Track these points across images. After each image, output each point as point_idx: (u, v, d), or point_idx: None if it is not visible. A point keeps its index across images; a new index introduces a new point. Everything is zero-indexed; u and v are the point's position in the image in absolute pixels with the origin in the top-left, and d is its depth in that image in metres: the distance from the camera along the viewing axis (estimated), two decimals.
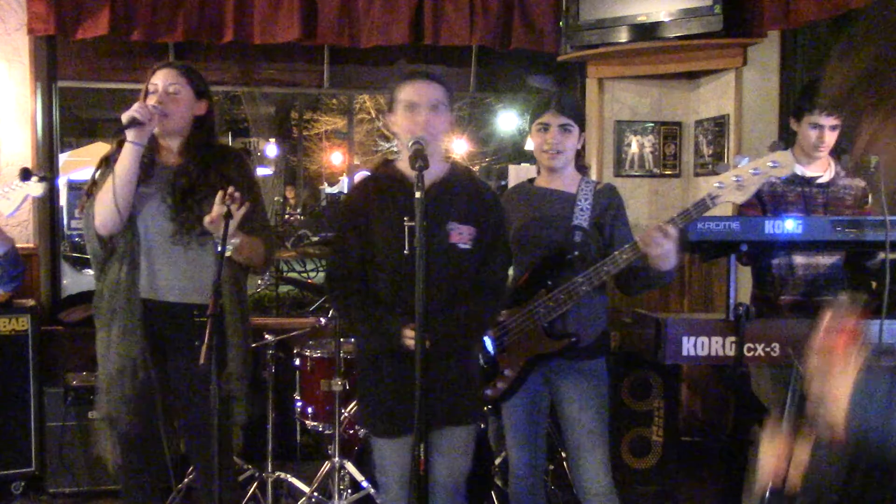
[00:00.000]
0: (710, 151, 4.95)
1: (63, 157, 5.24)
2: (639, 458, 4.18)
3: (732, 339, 3.04)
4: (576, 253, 2.91)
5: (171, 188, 2.88)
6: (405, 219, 2.50)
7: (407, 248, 2.50)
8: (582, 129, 3.01)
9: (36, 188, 2.77)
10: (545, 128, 2.97)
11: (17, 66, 4.72)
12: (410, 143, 2.45)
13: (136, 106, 2.78)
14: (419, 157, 2.36)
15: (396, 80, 2.65)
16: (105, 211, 2.78)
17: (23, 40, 4.70)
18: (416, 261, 2.28)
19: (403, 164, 2.65)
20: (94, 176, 2.94)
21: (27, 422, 4.30)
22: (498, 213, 2.74)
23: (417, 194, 2.29)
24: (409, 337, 2.43)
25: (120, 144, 2.88)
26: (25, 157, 4.73)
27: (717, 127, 4.87)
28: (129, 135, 2.75)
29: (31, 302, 4.48)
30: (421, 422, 2.31)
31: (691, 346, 3.34)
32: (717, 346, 3.22)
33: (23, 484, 4.34)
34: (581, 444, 2.98)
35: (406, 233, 2.52)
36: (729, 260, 3.15)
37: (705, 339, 3.30)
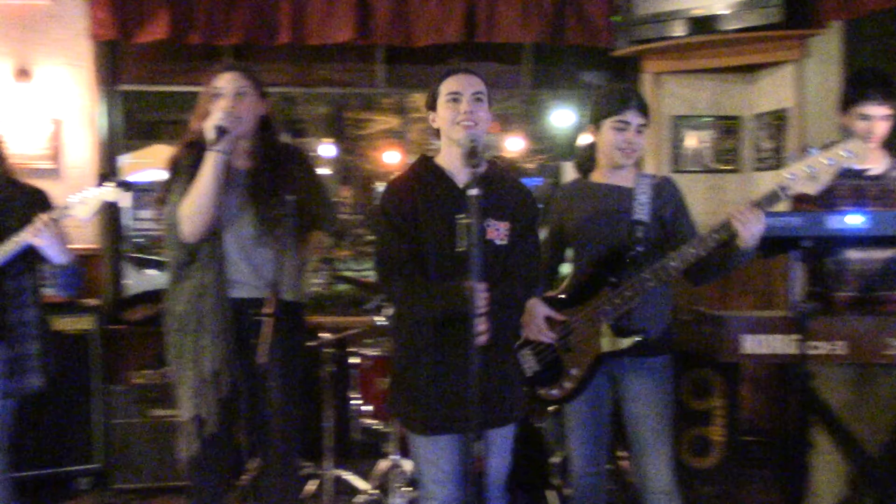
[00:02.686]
0: (771, 146, 4.86)
1: (124, 160, 5.35)
2: (699, 458, 4.12)
3: (795, 336, 2.97)
4: (638, 248, 2.87)
5: (251, 192, 2.91)
6: (459, 216, 2.49)
7: (458, 244, 2.50)
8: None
9: (112, 193, 2.82)
10: (625, 126, 2.92)
11: (80, 70, 4.84)
12: (466, 140, 2.45)
13: (218, 115, 2.79)
14: (474, 155, 2.35)
15: (437, 78, 2.66)
16: (194, 220, 2.81)
17: (85, 45, 4.83)
18: (470, 257, 2.28)
19: (443, 160, 2.65)
20: (167, 183, 2.95)
21: (93, 419, 4.42)
22: (533, 210, 2.71)
23: (473, 192, 2.28)
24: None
25: (188, 148, 2.93)
26: (88, 159, 4.85)
27: (778, 121, 4.77)
28: (216, 144, 2.78)
29: (94, 302, 4.59)
30: (473, 419, 2.30)
31: (752, 343, 3.28)
32: (779, 343, 3.16)
33: (89, 480, 4.46)
34: (645, 443, 2.94)
35: (457, 230, 2.51)
36: (790, 256, 3.08)
37: (766, 337, 3.24)
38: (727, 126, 5.12)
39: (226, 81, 2.91)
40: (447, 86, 2.60)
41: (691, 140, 5.11)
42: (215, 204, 2.82)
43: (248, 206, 2.91)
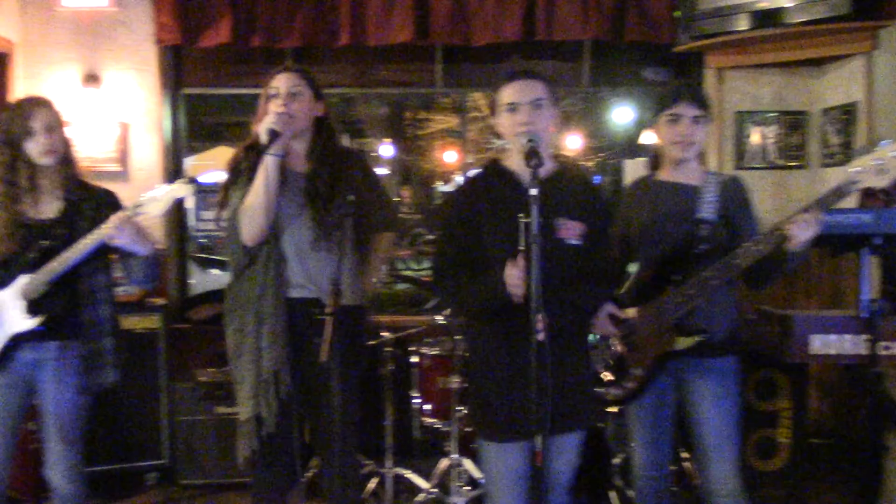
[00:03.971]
0: (839, 141, 4.74)
1: (189, 161, 5.46)
2: (764, 461, 4.04)
3: (865, 336, 2.90)
4: (703, 247, 2.83)
5: (308, 196, 2.93)
6: (520, 215, 2.48)
7: (521, 243, 2.49)
8: (710, 120, 2.94)
9: (183, 189, 2.87)
10: (676, 119, 2.89)
11: (146, 75, 4.95)
12: (525, 141, 2.44)
13: (271, 118, 2.83)
14: (534, 155, 2.35)
15: (497, 83, 2.64)
16: (253, 223, 2.85)
17: (151, 50, 4.94)
18: (531, 256, 2.27)
19: (511, 162, 2.65)
20: (225, 186, 2.99)
21: (159, 416, 4.52)
22: (606, 211, 2.70)
23: (533, 191, 2.28)
24: (511, 275, 2.37)
25: (247, 151, 2.96)
26: (154, 161, 4.97)
27: (846, 115, 4.65)
28: (269, 147, 2.81)
29: (161, 301, 4.70)
30: (542, 419, 2.29)
31: (820, 343, 3.22)
32: (849, 344, 3.09)
33: (156, 475, 4.56)
34: (710, 445, 2.89)
35: (520, 229, 2.50)
36: (860, 254, 3.00)
37: (835, 337, 3.18)
38: (793, 121, 5.01)
39: (280, 82, 2.94)
40: (505, 95, 2.59)
41: (755, 136, 5.01)
42: (272, 207, 2.84)
43: (306, 210, 2.93)
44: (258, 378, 2.90)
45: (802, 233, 2.61)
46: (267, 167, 2.82)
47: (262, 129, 2.83)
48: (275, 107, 2.88)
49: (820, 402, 4.74)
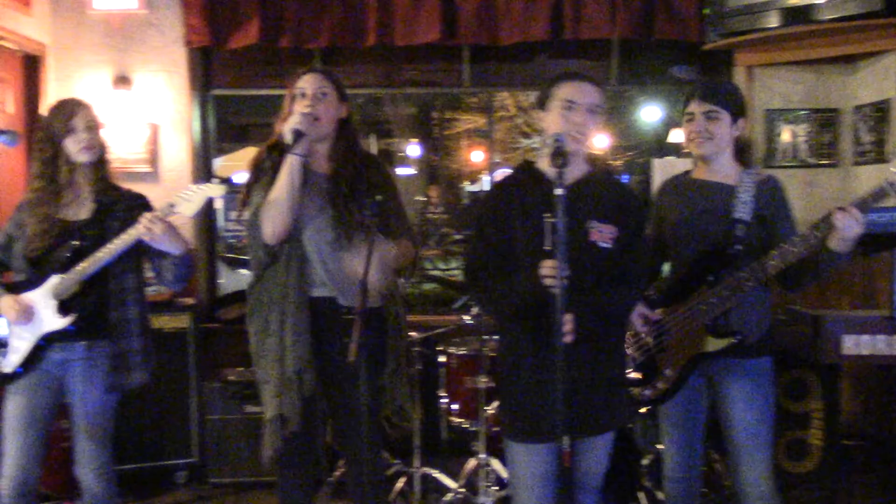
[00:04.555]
0: (871, 139, 4.68)
1: (217, 162, 5.50)
2: (796, 462, 4.00)
3: None
4: (738, 247, 2.79)
5: (331, 196, 2.94)
6: (545, 215, 2.47)
7: (547, 244, 2.48)
8: (736, 115, 2.88)
9: (215, 189, 2.89)
10: (691, 117, 2.88)
11: (176, 76, 4.99)
12: (551, 142, 2.43)
13: (296, 119, 2.84)
14: (559, 155, 2.34)
15: (555, 78, 2.61)
16: (275, 223, 2.86)
17: (180, 52, 4.98)
18: (556, 256, 2.27)
19: (543, 164, 2.64)
20: (248, 186, 3.01)
21: (189, 414, 4.56)
22: (640, 215, 2.68)
23: (558, 191, 2.27)
24: (546, 266, 2.36)
25: (270, 150, 2.98)
26: (184, 162, 5.01)
27: (879, 113, 4.59)
28: (293, 147, 2.83)
29: (191, 300, 4.74)
30: (562, 423, 2.28)
31: (852, 344, 3.18)
32: (882, 344, 3.05)
33: (186, 473, 4.60)
34: (743, 447, 2.86)
35: (547, 229, 2.49)
36: (893, 253, 2.95)
37: (868, 338, 3.13)
38: (824, 119, 4.95)
39: (306, 83, 2.95)
40: (564, 91, 2.56)
41: (786, 134, 4.96)
42: (294, 207, 2.86)
43: (327, 210, 2.94)
44: (282, 377, 2.92)
45: (847, 229, 2.57)
46: (290, 167, 2.84)
47: (286, 129, 2.85)
48: (300, 107, 2.90)
49: (852, 403, 4.68)
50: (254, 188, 2.97)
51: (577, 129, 2.51)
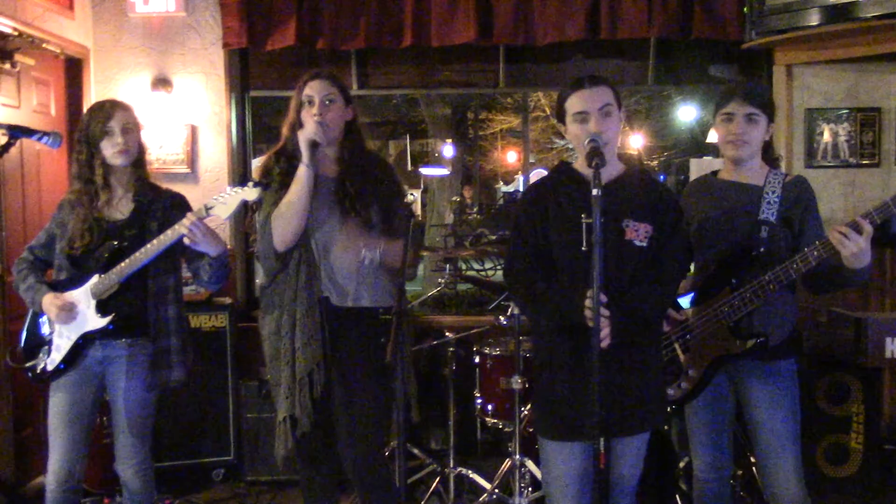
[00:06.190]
0: None
1: (255, 163, 5.55)
2: (836, 467, 3.94)
3: None
4: (762, 249, 2.77)
5: (338, 200, 2.98)
6: (582, 215, 2.47)
7: (584, 244, 2.47)
8: (770, 119, 2.86)
9: (250, 193, 2.91)
10: (730, 118, 2.84)
11: (214, 78, 5.04)
12: (586, 142, 2.43)
13: (313, 128, 2.89)
14: (595, 155, 2.33)
15: (562, 92, 2.63)
16: (285, 232, 2.92)
17: (218, 54, 5.03)
18: (594, 256, 2.26)
19: (579, 165, 2.65)
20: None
21: (226, 413, 4.61)
22: (676, 212, 2.66)
23: (595, 191, 2.26)
24: (589, 307, 2.37)
25: (278, 156, 3.03)
26: (221, 163, 5.05)
27: None
28: (305, 157, 2.88)
29: (228, 300, 4.78)
30: (597, 425, 2.28)
31: None
32: None
33: (223, 471, 4.64)
34: (770, 449, 2.84)
35: (584, 229, 2.49)
36: None
37: None
38: (866, 118, 4.87)
39: (313, 90, 2.99)
40: (572, 104, 2.58)
41: (826, 134, 4.89)
42: (304, 215, 2.91)
43: (334, 213, 2.98)
44: (292, 379, 2.96)
45: (846, 247, 2.54)
46: (305, 179, 2.88)
47: (302, 140, 2.89)
48: (311, 116, 2.93)
49: (894, 408, 4.60)
50: (264, 196, 3.00)
51: (598, 136, 2.50)
